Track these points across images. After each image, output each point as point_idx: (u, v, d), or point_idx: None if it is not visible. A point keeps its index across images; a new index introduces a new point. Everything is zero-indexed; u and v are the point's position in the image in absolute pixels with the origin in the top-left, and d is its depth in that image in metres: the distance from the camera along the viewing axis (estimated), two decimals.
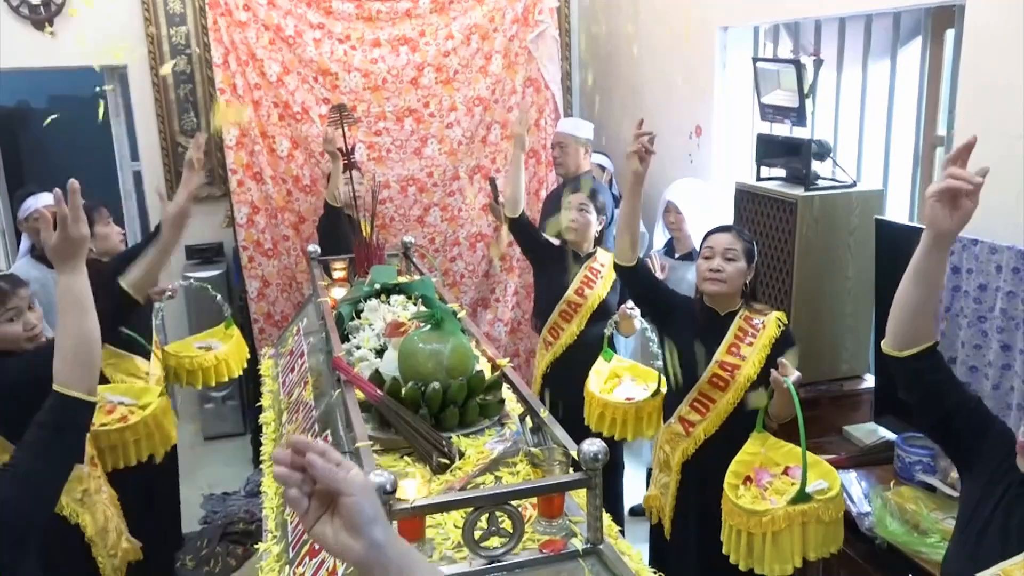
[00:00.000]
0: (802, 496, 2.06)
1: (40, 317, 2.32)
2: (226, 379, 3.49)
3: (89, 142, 5.97)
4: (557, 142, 3.93)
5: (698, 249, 2.62)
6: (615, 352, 3.05)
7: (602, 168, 4.23)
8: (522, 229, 3.42)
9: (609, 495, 3.20)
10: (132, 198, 5.12)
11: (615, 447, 3.20)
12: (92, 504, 2.35)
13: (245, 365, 3.56)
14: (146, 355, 3.23)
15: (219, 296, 3.47)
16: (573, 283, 3.24)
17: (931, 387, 1.67)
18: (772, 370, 2.21)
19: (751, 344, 2.45)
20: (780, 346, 2.43)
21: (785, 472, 2.21)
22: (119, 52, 4.55)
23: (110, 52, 4.55)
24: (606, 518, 1.59)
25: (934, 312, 1.72)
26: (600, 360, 2.97)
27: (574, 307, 3.24)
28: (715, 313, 2.53)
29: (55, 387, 1.66)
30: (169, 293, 3.41)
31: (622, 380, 2.94)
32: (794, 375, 2.16)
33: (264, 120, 4.22)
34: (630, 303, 2.96)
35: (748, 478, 2.22)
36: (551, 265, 3.34)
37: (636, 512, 3.72)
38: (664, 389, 2.70)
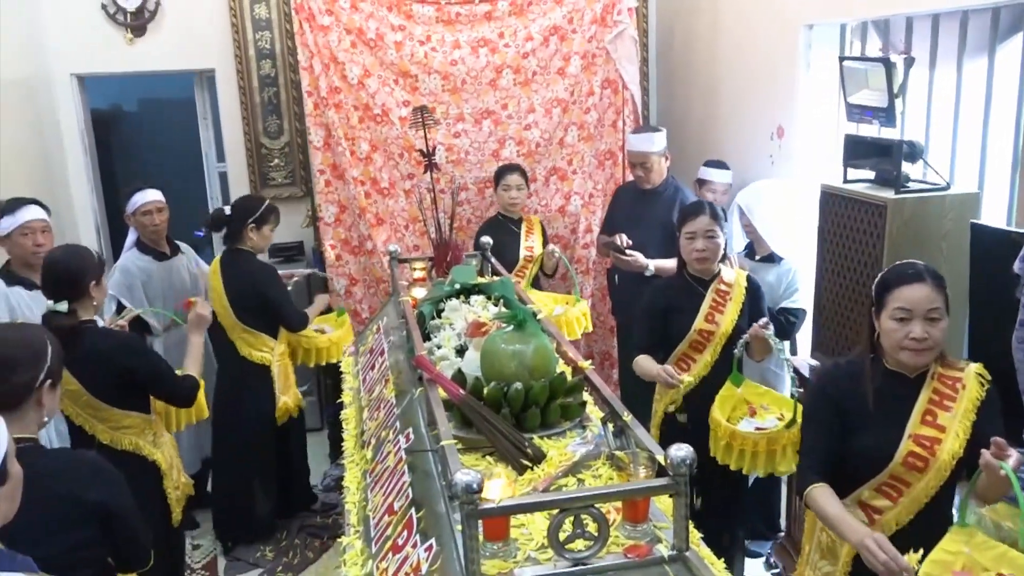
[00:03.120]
0: None
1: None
2: (335, 360, 3.83)
3: (177, 144, 6.20)
4: (639, 162, 3.90)
5: (779, 259, 2.54)
6: (745, 376, 2.83)
7: (700, 183, 4.16)
8: None
9: (731, 527, 3.09)
10: (218, 198, 5.29)
11: (741, 482, 3.02)
12: (161, 445, 2.88)
13: None
14: (274, 334, 3.76)
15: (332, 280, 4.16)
16: (701, 309, 2.96)
17: None
18: (983, 451, 1.78)
19: (951, 410, 2.01)
20: (986, 410, 2.01)
21: None
22: (207, 57, 4.71)
23: (199, 57, 4.72)
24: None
25: None
26: (728, 385, 2.77)
27: (706, 336, 2.96)
28: (903, 378, 2.08)
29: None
30: (296, 278, 4.02)
31: (754, 408, 2.73)
32: (1012, 457, 1.73)
33: (345, 123, 4.30)
34: (764, 319, 2.75)
35: None
36: (676, 296, 3.04)
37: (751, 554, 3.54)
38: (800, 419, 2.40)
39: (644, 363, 2.95)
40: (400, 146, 4.32)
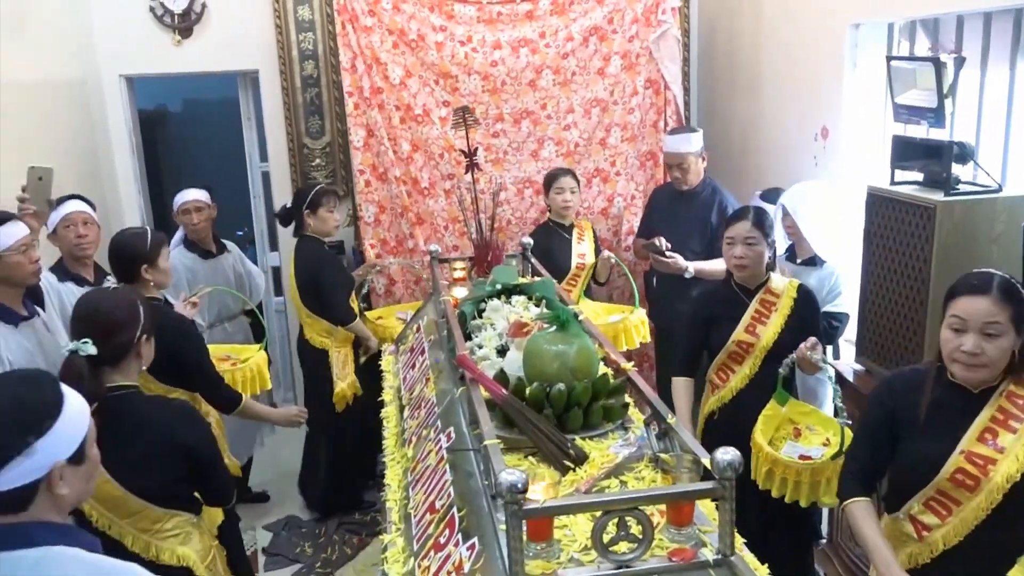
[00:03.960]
0: None
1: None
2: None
3: (221, 143, 6.30)
4: (676, 163, 3.88)
5: (822, 262, 2.50)
6: (791, 395, 2.69)
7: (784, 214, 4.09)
8: None
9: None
10: (260, 198, 5.36)
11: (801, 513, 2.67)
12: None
13: None
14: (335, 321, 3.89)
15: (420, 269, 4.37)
16: (743, 319, 2.85)
17: None
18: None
19: (1016, 432, 1.87)
20: None
21: None
22: (252, 58, 4.77)
23: (243, 58, 4.78)
24: None
25: None
26: (772, 404, 2.63)
27: (745, 347, 2.85)
28: (965, 392, 1.96)
29: None
30: (378, 268, 4.29)
31: (799, 429, 2.61)
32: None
33: (387, 123, 4.33)
34: (812, 340, 2.59)
35: None
36: (719, 304, 2.96)
37: None
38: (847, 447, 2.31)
39: (676, 396, 2.93)
40: (440, 146, 4.34)
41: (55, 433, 1.35)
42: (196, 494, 2.32)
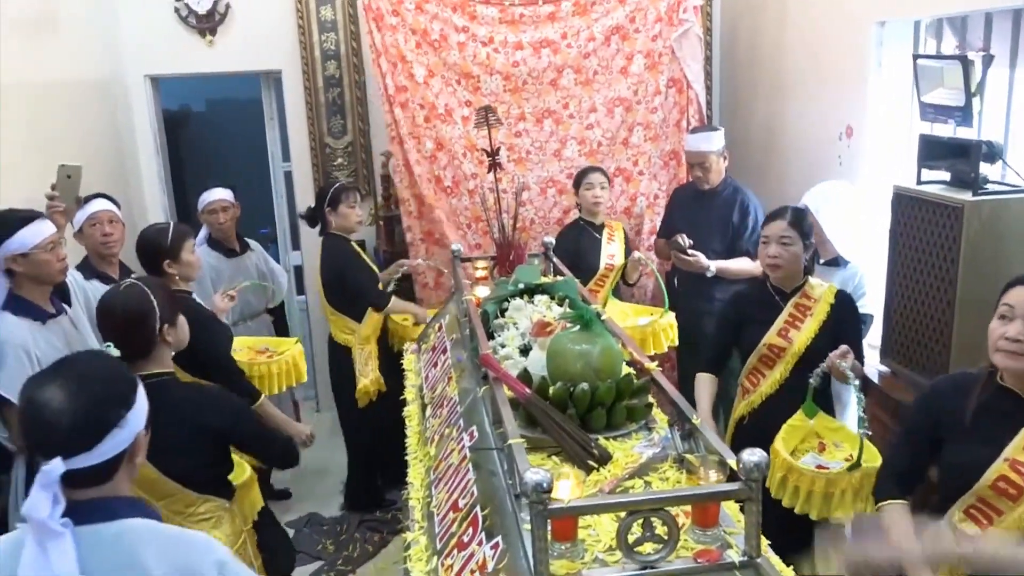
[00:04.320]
0: None
1: None
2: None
3: (244, 143, 6.34)
4: (697, 162, 3.85)
5: (845, 263, 2.45)
6: (820, 408, 2.60)
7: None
8: None
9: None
10: (283, 197, 5.39)
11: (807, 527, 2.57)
12: None
13: None
14: (358, 317, 3.95)
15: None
16: (776, 323, 2.77)
17: None
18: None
19: None
20: None
21: None
22: (274, 58, 4.80)
23: (266, 58, 4.81)
24: None
25: None
26: (799, 415, 2.55)
27: (777, 351, 2.76)
28: (1015, 397, 1.89)
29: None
30: (405, 267, 4.27)
31: (824, 443, 2.52)
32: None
33: (411, 121, 4.35)
34: (843, 348, 2.49)
35: None
36: (752, 306, 2.90)
37: None
38: (869, 463, 2.26)
39: (698, 391, 2.88)
40: (463, 145, 4.34)
41: (137, 405, 1.45)
42: (230, 479, 2.44)
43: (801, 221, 2.77)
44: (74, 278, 3.08)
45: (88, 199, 3.29)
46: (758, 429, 2.70)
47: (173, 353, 2.37)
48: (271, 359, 3.47)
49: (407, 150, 4.36)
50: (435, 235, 4.50)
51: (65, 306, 2.84)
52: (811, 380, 2.51)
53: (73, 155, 3.26)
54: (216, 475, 2.38)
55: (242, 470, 2.78)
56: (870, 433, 2.34)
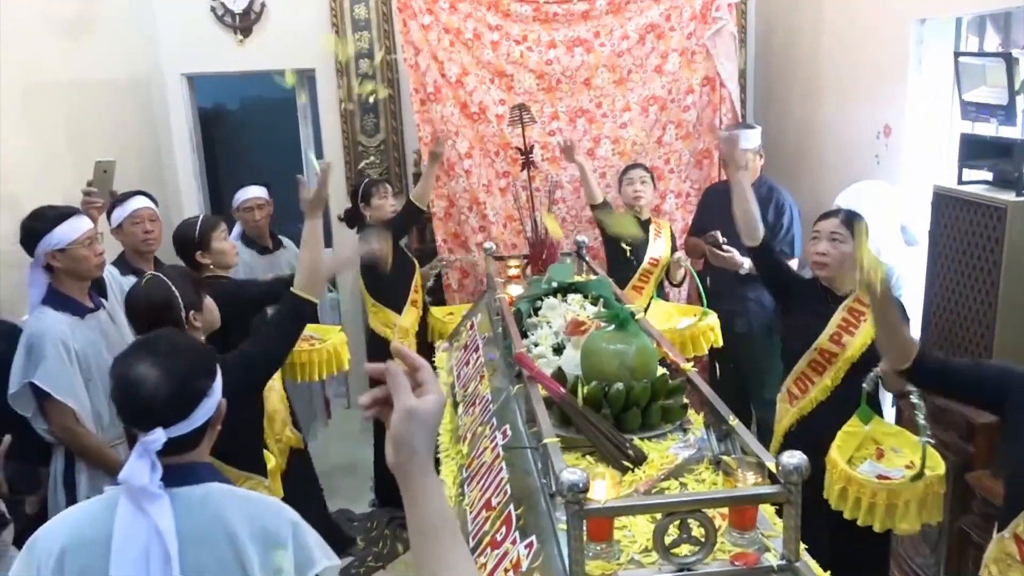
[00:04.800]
0: None
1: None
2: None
3: (277, 141, 6.38)
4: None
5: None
6: (876, 413, 2.50)
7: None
8: (767, 263, 2.94)
9: None
10: None
11: (876, 540, 2.49)
12: (265, 397, 2.94)
13: None
14: (398, 310, 3.97)
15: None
16: (828, 327, 2.66)
17: None
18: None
19: None
20: None
21: None
22: (309, 57, 4.83)
23: (301, 57, 4.84)
24: None
25: None
26: (854, 420, 2.45)
27: (827, 357, 2.67)
28: None
29: (294, 291, 2.42)
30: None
31: (882, 449, 2.42)
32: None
33: (449, 118, 4.35)
34: None
35: None
36: (801, 304, 2.81)
37: None
38: (932, 471, 2.17)
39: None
40: (496, 144, 4.34)
41: (218, 378, 1.57)
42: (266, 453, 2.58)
43: (855, 222, 2.61)
44: (111, 273, 3.12)
45: (127, 196, 3.32)
46: (809, 438, 2.48)
47: (203, 336, 2.40)
48: (312, 347, 3.51)
49: (448, 148, 4.36)
50: (461, 237, 4.52)
51: (103, 301, 2.88)
52: (865, 385, 2.44)
53: (111, 152, 3.31)
54: (251, 448, 2.49)
55: (267, 460, 2.83)
56: (933, 441, 2.26)
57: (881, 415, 2.59)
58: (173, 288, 2.31)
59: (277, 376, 3.20)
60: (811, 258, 2.76)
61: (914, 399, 2.26)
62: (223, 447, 2.28)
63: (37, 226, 2.62)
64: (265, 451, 2.80)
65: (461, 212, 4.46)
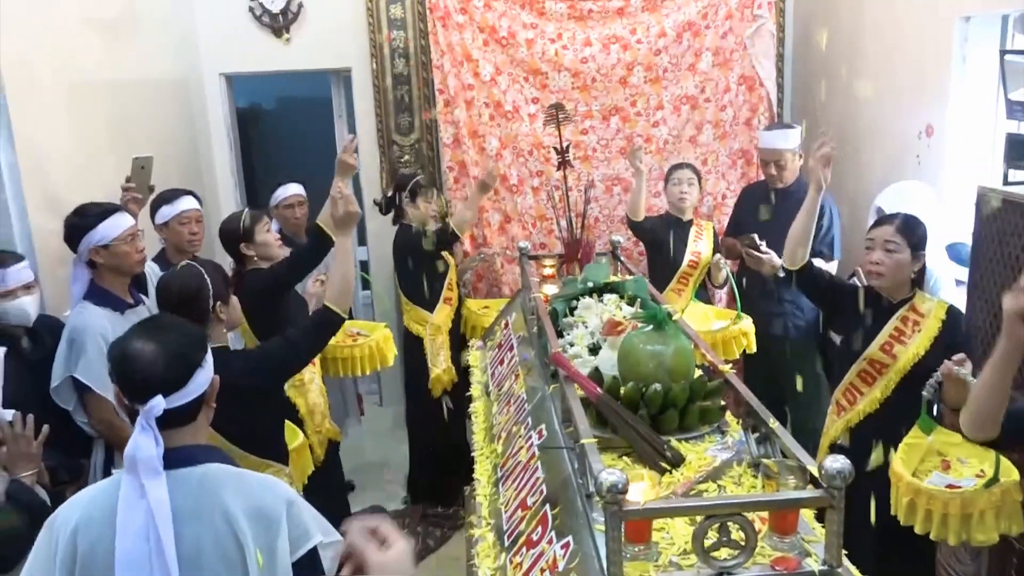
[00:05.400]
0: None
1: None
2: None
3: (313, 140, 6.43)
4: (772, 159, 3.74)
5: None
6: (938, 422, 2.37)
7: None
8: (808, 282, 2.85)
9: None
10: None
11: (923, 549, 2.41)
12: (305, 391, 3.24)
13: None
14: (430, 309, 4.01)
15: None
16: (879, 336, 2.57)
17: None
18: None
19: None
20: None
21: None
22: (345, 56, 4.86)
23: (337, 56, 4.88)
24: None
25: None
26: (915, 431, 2.34)
27: (878, 367, 2.57)
28: None
29: (325, 303, 2.52)
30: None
31: (947, 461, 2.29)
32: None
33: (476, 120, 4.36)
34: (959, 355, 2.23)
35: None
36: (849, 314, 2.71)
37: None
38: (1007, 477, 2.09)
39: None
40: (529, 143, 4.34)
41: (209, 354, 1.65)
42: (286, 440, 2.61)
43: (912, 229, 2.57)
44: (152, 269, 3.17)
45: (176, 194, 3.37)
46: (859, 451, 2.41)
47: (225, 332, 2.46)
48: (356, 342, 3.57)
49: (464, 150, 4.37)
50: (476, 240, 4.54)
51: (143, 297, 2.92)
52: (925, 393, 2.32)
53: (150, 151, 3.36)
54: (272, 437, 2.52)
55: (295, 435, 2.90)
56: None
57: (942, 424, 2.42)
58: (206, 277, 2.36)
59: (317, 370, 3.26)
60: (865, 267, 2.67)
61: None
62: (244, 434, 2.37)
63: (81, 223, 2.68)
64: (302, 439, 2.91)
65: (484, 211, 4.47)
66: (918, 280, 2.63)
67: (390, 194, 4.06)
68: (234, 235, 3.16)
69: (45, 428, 2.10)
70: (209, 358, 1.64)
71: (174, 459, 1.53)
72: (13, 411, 2.11)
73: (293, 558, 1.55)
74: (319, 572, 1.61)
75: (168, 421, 1.53)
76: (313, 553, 1.59)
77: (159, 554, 1.44)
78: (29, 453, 2.05)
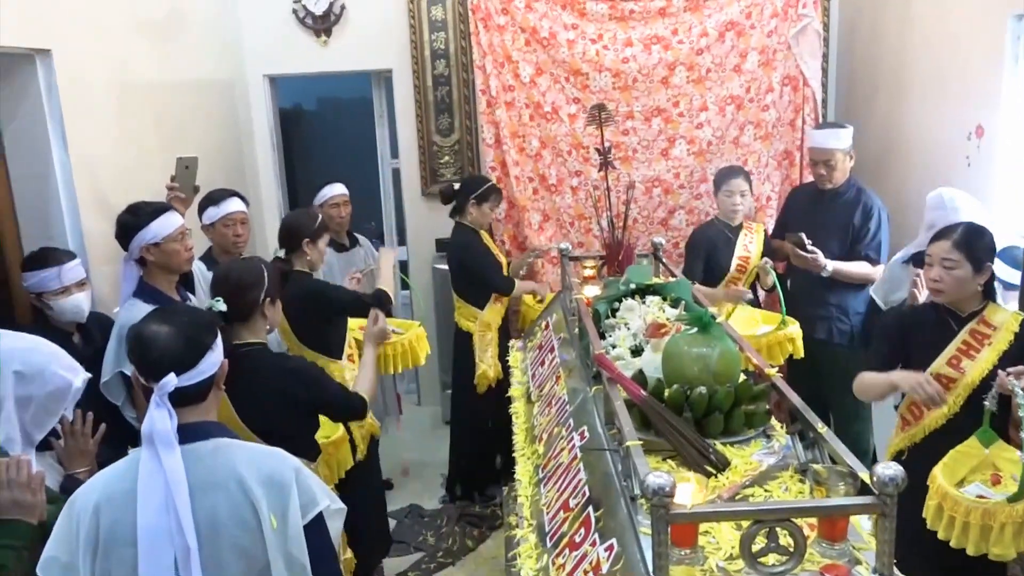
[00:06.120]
0: None
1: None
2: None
3: (353, 141, 6.49)
4: (822, 159, 3.64)
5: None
6: (998, 435, 2.27)
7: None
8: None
9: None
10: (390, 193, 5.50)
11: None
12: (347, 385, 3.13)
13: None
14: (480, 305, 4.02)
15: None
16: (946, 350, 2.47)
17: None
18: (1000, 372, 1.69)
19: None
20: None
21: None
22: (386, 58, 4.90)
23: (378, 58, 4.91)
24: None
25: None
26: (972, 441, 2.27)
27: (944, 382, 2.45)
28: None
29: (356, 388, 2.68)
30: (538, 252, 4.38)
31: (999, 476, 2.22)
32: None
33: (516, 120, 4.36)
34: (1019, 368, 2.17)
35: None
36: (922, 328, 2.60)
37: None
38: None
39: (871, 377, 2.58)
40: (569, 143, 4.33)
41: (219, 339, 1.72)
42: (315, 438, 2.65)
43: (972, 242, 2.45)
44: (199, 268, 3.22)
45: (223, 196, 3.41)
46: (919, 467, 2.22)
47: (268, 329, 2.50)
48: (389, 340, 3.53)
49: (505, 151, 4.38)
50: (519, 239, 4.55)
51: (189, 295, 2.97)
52: (986, 403, 2.25)
53: (196, 151, 3.41)
54: (299, 435, 2.54)
55: (334, 428, 2.92)
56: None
57: (1007, 438, 2.33)
58: (266, 273, 2.42)
59: (357, 367, 3.27)
60: (927, 284, 2.58)
61: (1020, 399, 2.07)
62: (273, 432, 2.35)
63: (134, 221, 2.73)
64: (341, 432, 2.97)
65: (520, 212, 4.47)
66: (987, 291, 2.51)
67: (457, 187, 4.04)
68: (306, 230, 3.15)
69: (102, 427, 2.14)
70: (219, 343, 1.71)
71: (188, 433, 1.61)
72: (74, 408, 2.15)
73: (304, 521, 1.63)
74: (326, 535, 1.70)
75: (180, 400, 1.61)
76: (320, 518, 1.67)
77: (179, 526, 1.52)
78: (86, 450, 2.09)
